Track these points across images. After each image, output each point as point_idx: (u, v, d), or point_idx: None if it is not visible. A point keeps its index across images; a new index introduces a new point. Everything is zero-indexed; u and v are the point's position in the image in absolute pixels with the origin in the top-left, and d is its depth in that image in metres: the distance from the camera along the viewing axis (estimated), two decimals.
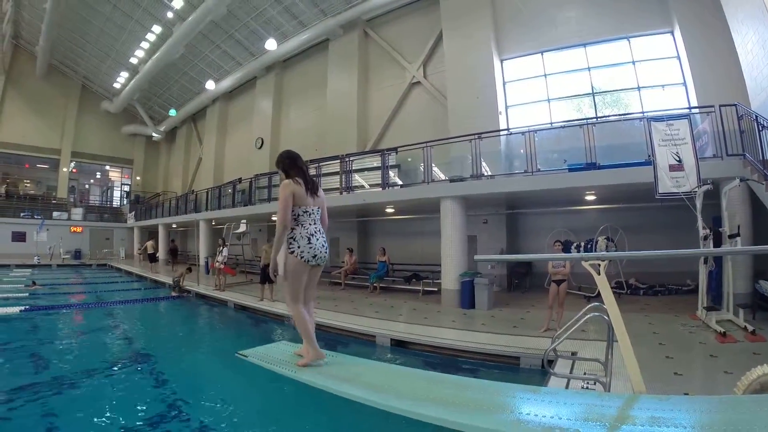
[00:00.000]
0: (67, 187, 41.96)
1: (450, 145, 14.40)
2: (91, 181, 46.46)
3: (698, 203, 8.54)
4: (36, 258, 30.94)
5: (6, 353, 9.88)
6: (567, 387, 5.20)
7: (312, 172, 17.06)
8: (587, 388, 4.92)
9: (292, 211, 4.17)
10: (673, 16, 13.73)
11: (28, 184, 41.84)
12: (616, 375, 4.68)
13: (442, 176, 13.86)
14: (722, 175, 9.10)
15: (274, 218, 17.79)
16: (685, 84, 13.75)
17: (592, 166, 10.71)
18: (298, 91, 27.12)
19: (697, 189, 8.61)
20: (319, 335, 10.16)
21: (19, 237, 34.66)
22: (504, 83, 17.09)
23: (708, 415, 2.80)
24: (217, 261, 17.24)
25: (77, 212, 38.97)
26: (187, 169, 40.50)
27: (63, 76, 40.57)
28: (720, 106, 9.68)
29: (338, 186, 16.22)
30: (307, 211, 4.22)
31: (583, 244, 12.02)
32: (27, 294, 17.27)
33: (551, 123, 14.88)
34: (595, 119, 13.30)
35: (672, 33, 14.07)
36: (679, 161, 8.92)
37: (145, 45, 30.50)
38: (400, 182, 14.97)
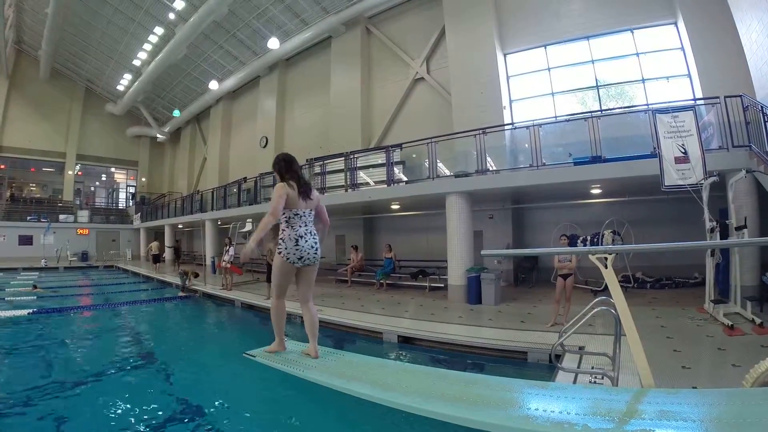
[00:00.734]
0: (72, 189, 42.22)
1: (454, 140, 14.35)
2: (97, 183, 46.62)
3: (704, 195, 8.48)
4: (43, 261, 31.07)
5: (14, 355, 9.96)
6: (575, 382, 5.19)
7: (317, 170, 17.12)
8: (595, 382, 4.90)
9: (283, 213, 4.32)
10: (676, 6, 13.63)
11: (34, 188, 42.22)
12: (624, 369, 4.65)
13: (447, 172, 13.83)
14: (728, 166, 9.02)
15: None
16: (689, 75, 13.67)
17: (597, 159, 10.68)
18: (301, 89, 27.14)
19: (703, 181, 8.55)
20: (327, 332, 10.29)
21: (26, 240, 34.94)
22: (508, 77, 17.04)
23: (717, 408, 2.78)
24: (224, 260, 17.30)
25: (83, 214, 39.25)
26: (192, 169, 40.61)
27: (66, 79, 40.74)
28: (725, 97, 9.63)
29: (343, 183, 16.23)
30: (297, 214, 4.40)
31: (589, 237, 12.01)
32: (35, 297, 17.38)
33: (556, 117, 14.83)
34: (599, 112, 13.18)
35: (675, 24, 13.98)
36: (685, 153, 8.88)
37: (147, 47, 30.64)
38: (405, 178, 14.94)
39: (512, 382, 3.79)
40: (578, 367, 5.59)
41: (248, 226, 19.50)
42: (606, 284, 3.96)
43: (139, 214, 38.87)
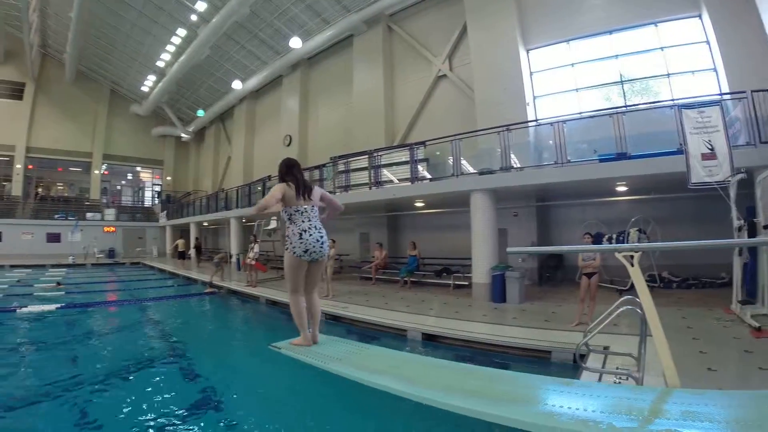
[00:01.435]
0: (99, 188, 43.32)
1: (478, 137, 14.33)
2: (123, 182, 47.69)
3: (732, 193, 8.37)
4: (71, 258, 31.83)
5: (44, 349, 10.27)
6: (599, 382, 5.14)
7: (340, 168, 17.19)
8: (619, 383, 4.89)
9: (285, 211, 4.58)
10: None
11: (61, 187, 43.31)
12: (649, 370, 4.61)
13: (471, 169, 13.76)
14: (756, 163, 8.83)
15: None
16: (715, 69, 13.38)
17: (622, 156, 10.53)
18: (324, 87, 27.26)
19: (730, 178, 8.43)
20: (352, 329, 10.37)
21: (54, 238, 35.81)
22: (531, 74, 16.90)
23: (743, 410, 2.78)
24: (249, 257, 17.51)
25: (110, 213, 40.13)
26: (216, 167, 41.18)
27: (92, 81, 41.71)
28: (752, 91, 9.44)
29: (367, 181, 16.34)
30: (299, 210, 4.60)
31: (614, 236, 11.85)
32: (63, 293, 17.78)
33: (580, 113, 14.65)
34: (624, 108, 12.99)
35: (700, 17, 13.70)
36: (712, 150, 8.76)
37: (170, 48, 31.12)
38: (429, 176, 14.98)
39: (536, 378, 3.81)
40: (603, 367, 5.59)
41: (273, 224, 19.71)
42: (632, 283, 3.95)
43: (164, 212, 39.61)
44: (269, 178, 22.87)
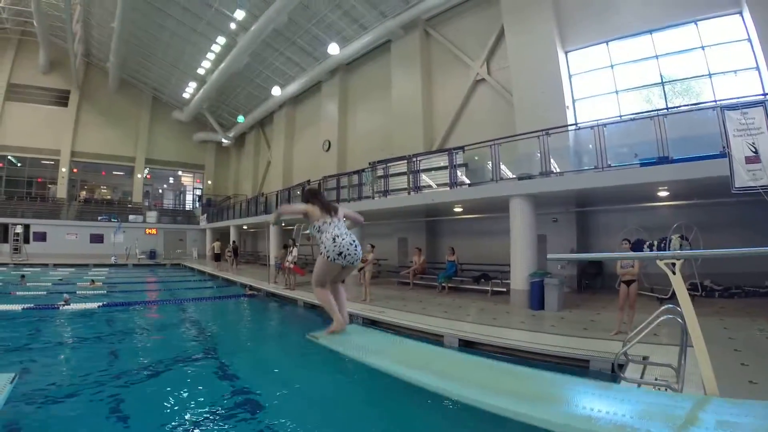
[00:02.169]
0: (141, 191, 44.94)
1: (517, 142, 14.17)
2: (165, 185, 49.27)
3: None
4: (113, 258, 33.08)
5: (83, 344, 10.72)
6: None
7: (380, 172, 17.27)
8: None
9: (314, 226, 4.88)
10: None
11: (105, 190, 45.05)
12: (689, 382, 4.59)
13: (510, 174, 13.68)
14: None
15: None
16: (758, 68, 13.01)
17: (664, 160, 10.31)
18: (363, 93, 27.54)
19: None
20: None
21: (97, 239, 37.30)
22: (570, 76, 16.73)
23: None
24: (287, 261, 17.78)
25: (152, 215, 41.43)
26: (256, 172, 42.00)
27: (134, 88, 43.33)
28: None
29: (406, 186, 16.37)
30: (326, 221, 4.86)
31: (655, 242, 11.65)
32: (104, 291, 18.40)
33: (620, 116, 14.46)
34: (665, 110, 12.78)
35: (741, 14, 13.32)
36: (756, 152, 8.54)
37: (210, 56, 31.92)
38: (468, 181, 14.94)
39: (574, 380, 3.78)
40: (641, 377, 5.49)
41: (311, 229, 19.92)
42: (673, 292, 3.90)
43: (205, 215, 40.47)
44: (308, 182, 23.12)
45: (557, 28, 16.79)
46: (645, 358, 6.18)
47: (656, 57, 15.14)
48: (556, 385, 3.56)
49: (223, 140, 44.27)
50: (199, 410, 6.64)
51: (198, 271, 29.58)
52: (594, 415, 2.85)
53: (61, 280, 22.71)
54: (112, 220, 38.36)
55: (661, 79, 15.10)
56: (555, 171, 12.51)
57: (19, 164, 40.94)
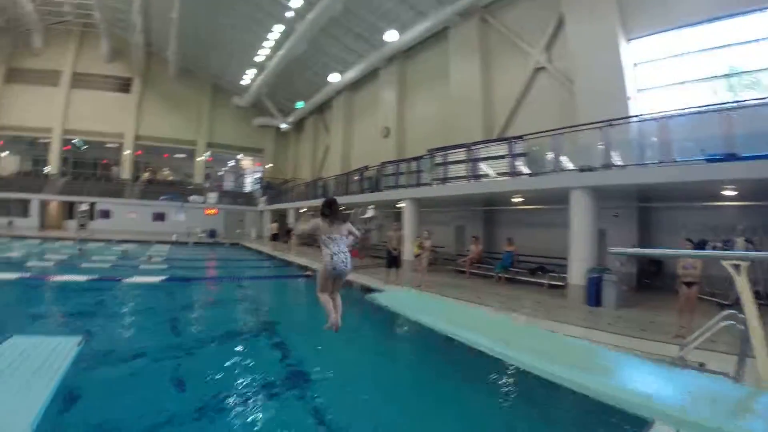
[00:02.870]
0: (203, 173, 46.80)
1: (578, 132, 13.91)
2: (225, 168, 51.02)
3: None
4: (174, 236, 34.34)
5: (145, 315, 11.52)
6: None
7: (438, 160, 17.43)
8: None
9: (321, 239, 5.87)
10: None
11: (167, 172, 47.21)
12: None
13: (571, 165, 13.54)
14: None
15: (399, 205, 18.84)
16: None
17: (731, 156, 9.87)
18: (421, 80, 27.56)
19: None
20: None
21: (159, 217, 39.30)
22: (633, 66, 16.32)
23: None
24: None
25: (212, 196, 42.69)
26: (315, 157, 42.77)
27: (194, 75, 45.06)
28: None
29: (464, 174, 16.48)
30: (330, 237, 5.87)
31: (719, 244, 11.22)
32: (166, 266, 19.42)
33: (685, 109, 14.09)
34: (734, 103, 12.06)
35: None
36: None
37: (268, 44, 32.59)
38: (528, 171, 14.80)
39: (636, 360, 3.71)
40: None
41: (369, 213, 20.34)
42: (736, 299, 3.83)
43: (264, 197, 41.55)
44: (367, 168, 23.52)
45: (619, 16, 16.29)
46: (701, 364, 6.03)
47: (724, 46, 14.48)
48: (617, 362, 3.56)
49: (282, 125, 45.32)
50: (252, 382, 7.10)
51: (256, 250, 30.54)
52: (654, 392, 2.93)
53: (123, 252, 24.31)
54: (174, 199, 40.03)
55: (729, 70, 14.50)
56: (617, 164, 12.31)
57: (84, 147, 43.55)
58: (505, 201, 17.46)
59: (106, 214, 38.51)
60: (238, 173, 51.72)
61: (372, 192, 21.97)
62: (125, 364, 7.83)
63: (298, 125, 46.16)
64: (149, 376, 7.45)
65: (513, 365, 5.67)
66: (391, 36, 25.44)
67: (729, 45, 14.43)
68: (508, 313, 10.50)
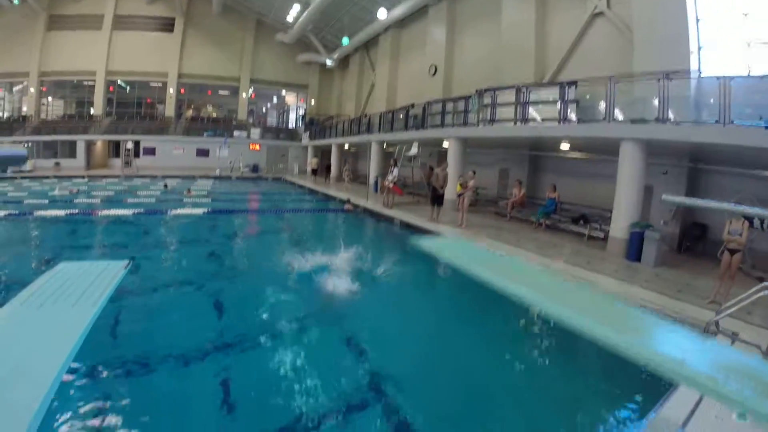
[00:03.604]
0: (246, 110, 47.32)
1: (632, 85, 13.66)
2: (269, 104, 51.49)
3: None
4: (218, 170, 35.80)
5: (188, 245, 12.18)
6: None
7: (487, 100, 17.44)
8: None
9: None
10: None
11: (211, 108, 48.06)
12: None
13: (622, 117, 13.28)
14: None
15: (444, 144, 19.11)
16: None
17: None
18: (471, 19, 26.90)
19: None
20: None
21: (203, 153, 40.30)
22: (697, 20, 15.61)
23: None
24: (387, 180, 18.59)
25: (255, 132, 43.39)
26: (359, 94, 42.49)
27: (237, 12, 45.23)
28: None
29: (512, 117, 16.33)
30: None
31: None
32: (210, 199, 20.50)
33: (749, 71, 13.50)
34: None
35: None
36: None
37: None
38: (577, 119, 14.54)
39: (672, 325, 3.76)
40: None
41: (414, 150, 20.54)
42: None
43: (307, 133, 41.96)
44: (412, 106, 23.53)
45: None
46: (735, 334, 6.02)
47: None
48: (650, 323, 3.66)
49: (327, 62, 45.02)
50: (290, 308, 7.56)
51: (298, 185, 31.38)
52: (684, 359, 2.79)
53: (165, 187, 25.45)
54: (217, 136, 40.84)
55: None
56: (671, 120, 11.90)
57: (128, 88, 44.87)
58: (552, 147, 17.33)
59: (151, 152, 39.75)
60: (282, 109, 52.01)
61: (417, 129, 22.05)
62: (167, 288, 8.47)
63: (343, 62, 45.80)
64: (189, 300, 8.06)
65: (547, 317, 5.92)
66: None
67: None
68: (544, 258, 10.75)
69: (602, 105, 13.48)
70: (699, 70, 14.12)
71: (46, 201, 19.05)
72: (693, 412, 4.37)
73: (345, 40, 38.73)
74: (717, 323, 5.19)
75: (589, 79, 14.54)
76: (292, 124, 50.71)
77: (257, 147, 42.58)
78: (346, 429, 4.71)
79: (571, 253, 11.88)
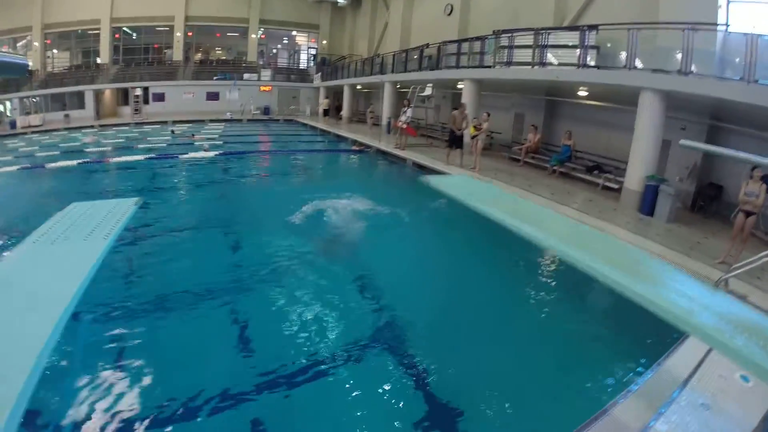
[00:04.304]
0: (256, 51, 46.39)
1: (655, 34, 13.34)
2: (279, 45, 50.29)
3: None
4: (228, 114, 35.70)
5: (199, 188, 12.30)
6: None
7: (504, 42, 17.17)
8: None
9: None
10: None
11: (220, 51, 47.18)
12: None
13: (642, 67, 12.95)
14: None
15: (459, 85, 18.87)
16: None
17: None
18: None
19: None
20: None
21: (213, 96, 39.82)
22: None
23: None
24: (401, 120, 18.40)
25: (266, 73, 42.86)
26: (372, 33, 41.58)
27: None
28: None
29: (529, 60, 15.99)
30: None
31: None
32: (221, 142, 20.64)
33: None
34: None
35: None
36: None
37: None
38: (596, 65, 14.21)
39: (684, 273, 3.80)
40: None
41: (428, 90, 20.35)
42: None
43: (319, 74, 41.40)
44: (427, 46, 23.09)
45: None
46: (743, 296, 6.01)
47: None
48: (664, 271, 3.69)
49: (339, 0, 44.38)
50: (303, 243, 7.68)
51: (310, 126, 31.29)
52: (695, 309, 2.88)
53: (173, 132, 25.69)
54: (227, 78, 40.36)
55: None
56: (694, 73, 11.58)
57: (134, 34, 43.61)
58: (569, 93, 17.07)
59: (160, 97, 39.24)
60: (293, 50, 50.97)
61: (431, 70, 21.73)
62: (178, 231, 8.60)
63: (356, 0, 44.64)
64: (201, 240, 8.20)
65: (559, 257, 5.95)
66: None
67: None
68: (556, 205, 10.87)
69: (623, 54, 13.19)
70: (727, 24, 13.72)
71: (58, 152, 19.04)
72: (697, 368, 4.49)
73: None
74: (726, 281, 5.21)
75: (612, 24, 14.13)
76: (303, 65, 49.80)
77: (268, 89, 42.10)
78: (359, 365, 4.89)
79: (583, 202, 11.97)
